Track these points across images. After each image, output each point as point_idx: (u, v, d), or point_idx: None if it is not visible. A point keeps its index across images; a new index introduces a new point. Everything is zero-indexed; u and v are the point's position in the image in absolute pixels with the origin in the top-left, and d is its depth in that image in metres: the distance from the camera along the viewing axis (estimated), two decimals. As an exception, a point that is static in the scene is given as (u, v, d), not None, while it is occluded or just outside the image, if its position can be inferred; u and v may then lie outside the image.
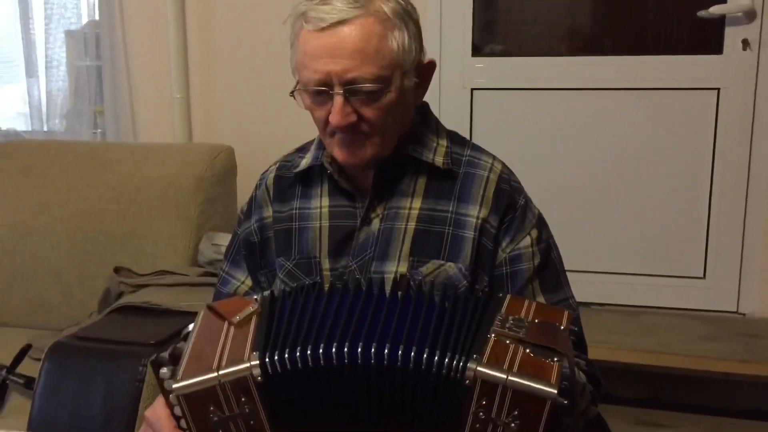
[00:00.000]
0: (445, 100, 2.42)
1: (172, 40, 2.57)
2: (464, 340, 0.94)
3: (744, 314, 2.33)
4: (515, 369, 0.89)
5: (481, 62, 2.45)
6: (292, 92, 1.16)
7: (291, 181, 1.29)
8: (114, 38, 2.66)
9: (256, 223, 1.31)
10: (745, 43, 2.20)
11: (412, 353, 0.93)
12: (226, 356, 0.96)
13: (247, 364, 0.94)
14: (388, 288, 1.04)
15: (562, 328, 0.98)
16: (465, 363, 0.90)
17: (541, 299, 1.20)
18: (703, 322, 2.29)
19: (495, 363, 0.90)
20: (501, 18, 2.55)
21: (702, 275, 2.36)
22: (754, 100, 2.23)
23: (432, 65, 1.19)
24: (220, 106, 2.65)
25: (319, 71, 1.10)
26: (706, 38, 2.27)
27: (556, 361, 0.91)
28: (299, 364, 0.95)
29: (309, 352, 0.95)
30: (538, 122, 2.42)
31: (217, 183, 2.21)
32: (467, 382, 0.90)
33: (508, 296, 1.04)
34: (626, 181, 2.38)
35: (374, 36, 1.09)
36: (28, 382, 1.73)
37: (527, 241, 1.20)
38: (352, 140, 1.15)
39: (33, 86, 2.84)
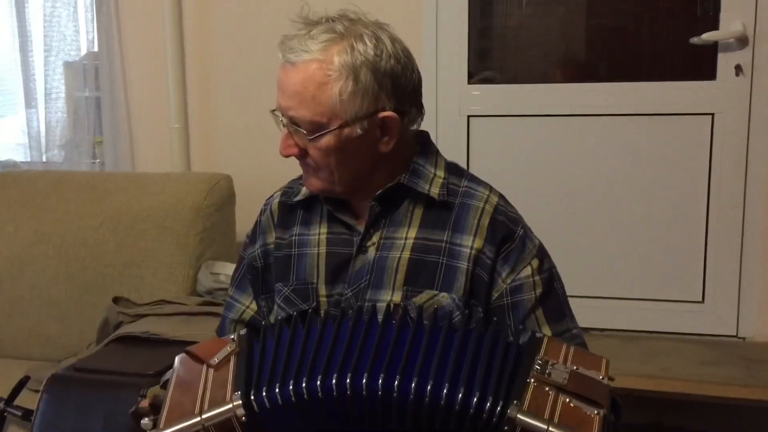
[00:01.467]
0: (441, 127, 2.44)
1: (170, 71, 2.59)
2: (502, 383, 0.93)
3: (744, 338, 2.33)
4: (556, 420, 0.88)
5: (477, 89, 2.47)
6: (273, 111, 1.21)
7: (293, 207, 1.31)
8: (113, 69, 2.68)
9: (260, 249, 1.33)
10: (738, 69, 2.23)
11: (445, 390, 0.92)
12: (207, 399, 0.96)
13: (230, 405, 0.94)
14: (380, 317, 1.04)
15: (601, 377, 0.96)
16: (505, 408, 0.89)
17: (546, 329, 1.19)
18: (704, 347, 2.28)
19: (535, 411, 0.88)
20: (496, 45, 2.58)
21: (701, 299, 2.36)
22: (748, 124, 2.24)
23: (391, 119, 1.17)
24: (218, 135, 2.67)
25: (277, 100, 1.18)
26: (700, 64, 2.30)
27: (597, 414, 0.89)
28: (292, 398, 0.94)
29: (303, 384, 0.94)
30: (534, 148, 2.43)
31: (216, 212, 2.21)
32: (506, 428, 0.88)
33: (546, 338, 1.03)
34: (623, 206, 2.38)
35: (312, 83, 1.12)
36: (26, 414, 1.71)
37: (528, 270, 1.20)
38: (305, 169, 1.22)
39: (32, 117, 2.85)
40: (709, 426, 2.27)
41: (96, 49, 2.74)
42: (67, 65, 2.81)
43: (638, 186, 2.36)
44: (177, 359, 1.05)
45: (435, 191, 1.22)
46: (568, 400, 0.90)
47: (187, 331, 1.77)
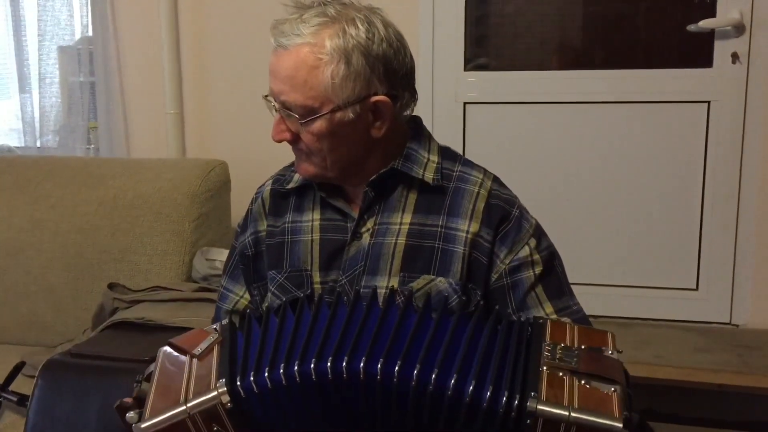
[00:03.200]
0: (438, 114, 2.44)
1: (165, 56, 2.58)
2: (516, 372, 0.92)
3: (737, 325, 2.34)
4: (576, 405, 0.87)
5: (474, 77, 2.46)
6: (266, 96, 1.20)
7: (285, 195, 1.30)
8: (107, 54, 2.67)
9: (251, 237, 1.32)
10: (735, 57, 2.23)
11: (452, 381, 0.90)
12: (192, 388, 0.96)
13: (215, 393, 0.94)
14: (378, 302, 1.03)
15: (610, 352, 0.96)
16: (524, 402, 0.88)
17: (547, 306, 1.20)
18: (697, 334, 2.29)
19: (554, 399, 0.87)
20: (493, 33, 2.57)
21: (695, 287, 2.37)
22: (744, 112, 2.25)
23: (383, 103, 1.16)
24: (213, 121, 2.66)
25: (269, 85, 1.17)
26: (696, 52, 2.29)
27: (614, 391, 0.89)
28: (283, 381, 0.94)
29: (281, 370, 0.94)
30: (530, 136, 2.43)
31: (211, 198, 2.21)
32: (528, 421, 0.87)
33: (548, 322, 1.02)
34: (618, 193, 2.39)
35: (304, 67, 1.12)
36: (22, 400, 1.71)
37: (526, 250, 1.21)
38: (298, 155, 1.22)
39: (26, 102, 2.84)
40: (702, 413, 2.28)
41: (90, 33, 2.72)
42: (62, 50, 2.80)
43: (633, 173, 2.37)
44: (160, 351, 1.05)
45: (429, 176, 1.22)
46: (583, 382, 0.90)
47: (183, 317, 1.78)
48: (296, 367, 0.94)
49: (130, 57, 2.70)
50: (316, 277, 1.24)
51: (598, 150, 2.38)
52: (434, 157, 1.25)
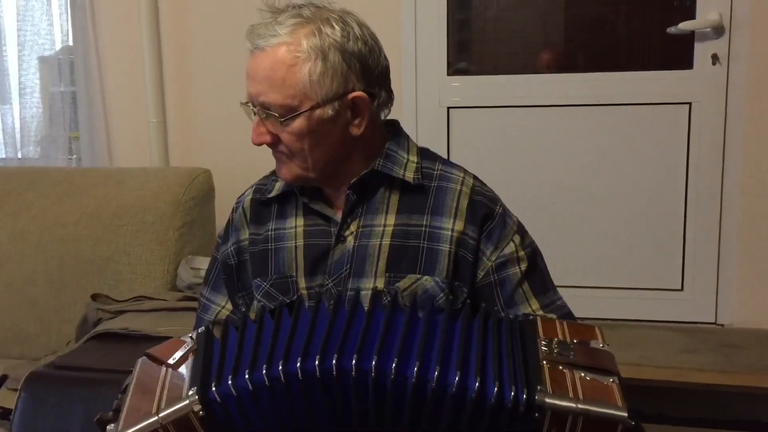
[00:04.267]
0: (422, 119, 2.44)
1: (147, 64, 2.56)
2: (519, 368, 0.92)
3: (722, 325, 2.35)
4: (581, 396, 0.88)
5: (457, 81, 2.47)
6: (244, 102, 1.21)
7: (267, 203, 1.30)
8: (88, 63, 2.65)
9: (233, 246, 1.32)
10: (715, 58, 2.24)
11: (456, 378, 0.90)
12: (165, 398, 0.95)
13: (186, 402, 0.93)
14: (365, 304, 1.03)
15: (602, 345, 0.98)
16: (532, 396, 0.88)
17: (533, 302, 1.21)
18: (683, 334, 2.30)
19: (560, 392, 0.88)
20: (475, 37, 2.58)
21: (680, 287, 2.38)
22: (725, 113, 2.26)
23: (361, 99, 1.17)
24: (196, 129, 2.65)
25: (247, 90, 1.18)
26: (677, 54, 2.31)
27: (612, 381, 0.90)
28: (250, 386, 0.93)
29: (263, 371, 0.93)
30: (514, 139, 2.44)
31: (195, 206, 2.20)
32: (537, 415, 0.88)
33: (538, 318, 1.03)
34: (602, 195, 2.40)
35: (282, 65, 1.13)
36: (5, 414, 1.69)
37: (511, 247, 1.22)
38: (278, 158, 1.22)
39: (6, 113, 2.81)
40: (689, 413, 2.29)
41: (71, 43, 2.71)
42: (42, 60, 2.78)
43: (617, 175, 2.38)
44: (137, 362, 1.04)
45: (410, 175, 1.23)
46: (583, 374, 0.91)
47: (167, 326, 1.76)
48: (280, 367, 0.93)
49: (111, 66, 2.68)
50: (302, 283, 1.24)
51: (581, 152, 2.40)
52: (414, 157, 1.26)
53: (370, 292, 1.17)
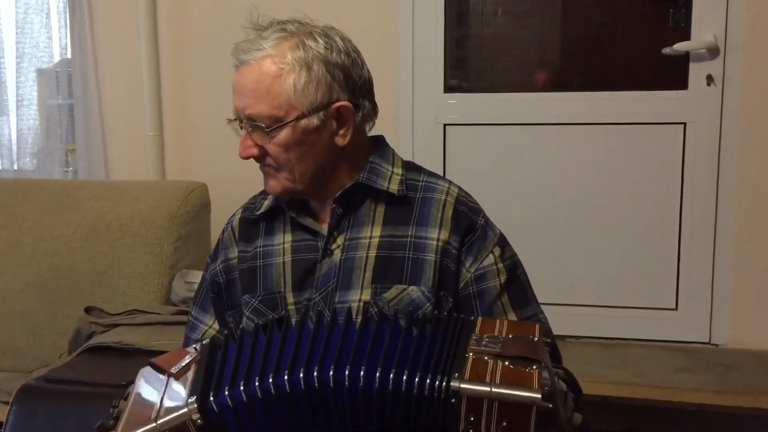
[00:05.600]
0: (418, 136, 2.45)
1: (144, 78, 2.57)
2: (444, 362, 0.95)
3: (717, 345, 2.35)
4: (498, 381, 0.90)
5: (454, 98, 2.48)
6: (232, 119, 1.25)
7: (255, 221, 1.32)
8: (86, 76, 2.66)
9: (221, 264, 1.34)
10: (710, 79, 2.26)
11: (391, 375, 0.94)
12: (164, 406, 0.96)
13: (185, 410, 0.94)
14: (351, 317, 1.05)
15: (536, 339, 1.00)
16: (448, 382, 0.91)
17: (512, 315, 1.22)
18: (677, 354, 2.30)
19: (477, 378, 0.91)
20: (472, 55, 2.60)
21: (674, 306, 2.38)
22: (720, 133, 2.28)
23: (346, 109, 1.20)
24: (193, 143, 2.65)
25: (233, 105, 1.22)
26: (672, 74, 2.33)
27: (535, 368, 0.92)
28: (244, 398, 0.95)
29: (256, 383, 0.95)
30: (510, 157, 2.44)
31: (191, 220, 2.20)
32: (453, 400, 0.91)
33: (479, 318, 1.06)
34: (597, 214, 2.41)
35: (267, 77, 1.17)
36: (-4, 427, 1.68)
37: (491, 259, 1.23)
38: (265, 172, 1.25)
39: (3, 125, 2.82)
40: (683, 432, 2.29)
41: (69, 56, 2.72)
42: (40, 72, 2.79)
43: (612, 194, 2.39)
44: (141, 371, 1.06)
45: (394, 188, 1.25)
46: (507, 363, 0.94)
47: (161, 340, 1.76)
48: (270, 380, 0.95)
49: (109, 79, 2.69)
50: (290, 298, 1.25)
51: (576, 171, 2.40)
52: (398, 170, 1.28)
53: (357, 304, 1.18)
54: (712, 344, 2.36)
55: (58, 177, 2.76)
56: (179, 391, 0.98)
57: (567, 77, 2.54)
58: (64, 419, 1.52)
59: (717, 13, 2.24)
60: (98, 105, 2.69)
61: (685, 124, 2.31)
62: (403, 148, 2.41)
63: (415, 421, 0.95)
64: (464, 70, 2.59)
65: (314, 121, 1.18)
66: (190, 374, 1.01)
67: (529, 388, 0.89)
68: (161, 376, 1.02)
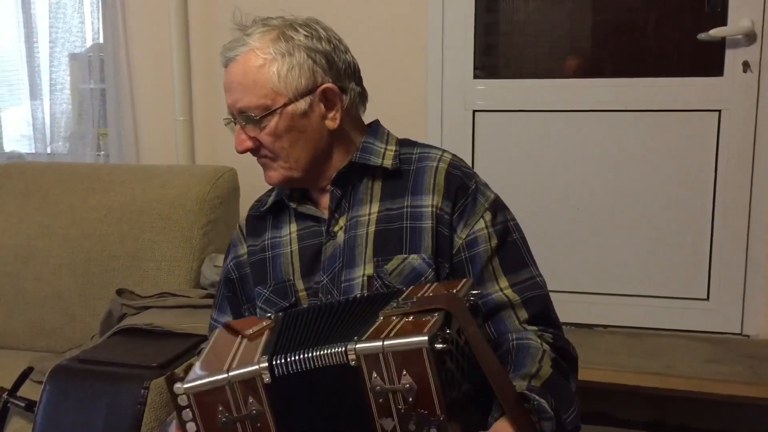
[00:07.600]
0: (447, 122, 2.43)
1: (175, 63, 2.59)
2: (351, 330, 0.99)
3: (748, 336, 2.32)
4: (392, 335, 0.94)
5: (483, 84, 2.46)
6: (227, 122, 1.29)
7: (262, 217, 1.36)
8: (118, 61, 2.68)
9: (232, 262, 1.38)
10: (746, 65, 2.22)
11: (303, 356, 0.97)
12: (237, 360, 1.01)
13: (256, 366, 0.98)
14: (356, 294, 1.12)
15: (455, 291, 1.03)
16: (345, 347, 0.95)
17: (503, 280, 1.22)
18: (708, 344, 2.28)
19: (375, 337, 0.94)
20: (502, 41, 2.57)
21: (706, 297, 2.35)
22: (756, 121, 2.24)
23: (331, 91, 1.24)
24: (223, 127, 2.64)
25: (227, 105, 1.26)
26: (707, 60, 2.29)
27: (435, 316, 0.95)
28: (304, 366, 0.98)
29: (312, 353, 0.98)
30: (539, 143, 2.42)
31: (220, 205, 2.21)
32: (353, 363, 0.94)
33: (411, 287, 1.10)
34: (628, 202, 2.38)
35: (252, 69, 1.21)
36: (29, 406, 1.71)
37: (481, 224, 1.24)
38: (263, 164, 1.29)
39: (37, 109, 2.85)
40: (712, 424, 2.26)
41: (101, 40, 2.74)
42: (73, 57, 2.81)
43: (643, 182, 2.36)
44: (215, 331, 1.12)
45: (388, 163, 1.28)
46: (411, 318, 0.97)
47: (191, 323, 1.78)
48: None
49: (140, 64, 2.71)
50: (300, 285, 1.28)
51: (607, 158, 2.38)
52: (392, 147, 1.31)
53: (361, 279, 1.21)
54: (744, 335, 2.33)
55: (90, 161, 2.79)
56: (252, 350, 1.02)
57: (598, 63, 2.51)
58: (96, 399, 1.54)
59: (754, -2, 2.19)
60: (129, 90, 2.71)
61: (720, 111, 2.27)
62: (431, 134, 2.40)
63: (345, 390, 0.97)
64: (494, 56, 2.57)
65: (301, 105, 1.22)
66: (263, 338, 1.05)
67: (416, 334, 0.92)
68: (235, 336, 1.07)
